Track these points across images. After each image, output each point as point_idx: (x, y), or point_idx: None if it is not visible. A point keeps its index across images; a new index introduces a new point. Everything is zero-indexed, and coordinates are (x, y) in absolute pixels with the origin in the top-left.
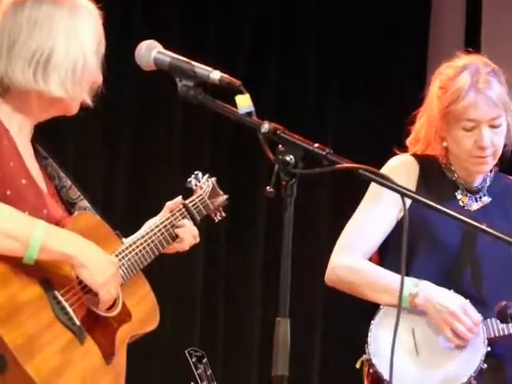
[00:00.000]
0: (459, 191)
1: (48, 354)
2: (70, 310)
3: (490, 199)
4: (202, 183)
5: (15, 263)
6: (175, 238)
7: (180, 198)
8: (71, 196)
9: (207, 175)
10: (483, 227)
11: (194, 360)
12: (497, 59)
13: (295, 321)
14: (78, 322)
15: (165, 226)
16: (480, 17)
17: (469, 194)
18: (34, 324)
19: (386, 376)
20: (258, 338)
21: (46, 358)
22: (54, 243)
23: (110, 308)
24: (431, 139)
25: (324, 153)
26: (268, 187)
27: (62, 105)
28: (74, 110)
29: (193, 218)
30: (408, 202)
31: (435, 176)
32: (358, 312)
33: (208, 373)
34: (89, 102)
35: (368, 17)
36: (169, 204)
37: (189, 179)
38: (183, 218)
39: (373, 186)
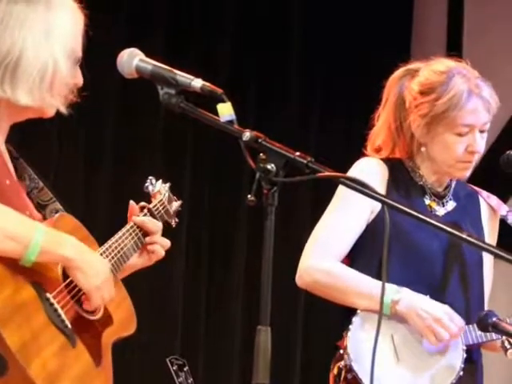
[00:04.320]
0: (427, 196)
1: (45, 356)
2: (62, 312)
3: (455, 204)
4: (161, 188)
5: (8, 264)
6: (143, 241)
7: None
8: (42, 198)
9: (161, 180)
10: (466, 237)
11: (175, 368)
12: (479, 58)
13: (276, 327)
14: (69, 325)
15: (134, 230)
16: (462, 20)
17: (436, 199)
18: (31, 326)
19: (367, 383)
20: (239, 347)
21: (44, 361)
22: (52, 245)
23: (93, 312)
24: (396, 143)
25: (305, 161)
26: (249, 195)
27: (34, 111)
28: (49, 113)
29: None
30: (378, 205)
31: (403, 180)
32: (341, 316)
33: (189, 381)
34: (62, 109)
35: (350, 26)
36: (133, 207)
37: (146, 184)
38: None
39: (342, 188)
